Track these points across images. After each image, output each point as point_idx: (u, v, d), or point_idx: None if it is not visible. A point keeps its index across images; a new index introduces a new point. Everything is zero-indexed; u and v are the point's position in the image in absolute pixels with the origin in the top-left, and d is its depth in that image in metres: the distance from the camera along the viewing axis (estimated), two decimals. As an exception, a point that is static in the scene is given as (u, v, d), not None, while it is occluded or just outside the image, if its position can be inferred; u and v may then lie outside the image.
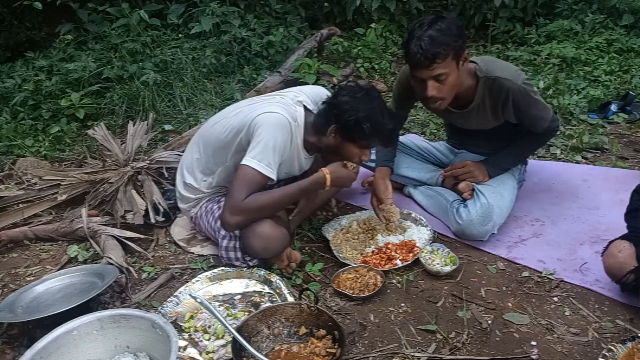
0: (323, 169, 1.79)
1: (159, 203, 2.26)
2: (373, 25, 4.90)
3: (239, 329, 1.43)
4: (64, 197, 2.40)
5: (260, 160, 1.70)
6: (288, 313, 1.54)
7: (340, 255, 1.98)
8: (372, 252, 2.00)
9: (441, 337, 1.56)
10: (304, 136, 1.87)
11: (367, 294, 1.74)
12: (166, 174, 2.49)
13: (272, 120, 1.74)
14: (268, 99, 1.89)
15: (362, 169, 2.48)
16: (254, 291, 1.80)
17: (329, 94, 1.94)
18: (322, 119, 1.84)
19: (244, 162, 1.71)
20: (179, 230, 2.21)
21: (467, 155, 2.35)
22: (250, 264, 1.86)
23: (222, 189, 1.97)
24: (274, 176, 1.73)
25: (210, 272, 1.86)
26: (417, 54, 1.76)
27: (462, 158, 2.32)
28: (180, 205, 2.10)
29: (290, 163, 1.91)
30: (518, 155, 2.19)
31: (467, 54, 1.87)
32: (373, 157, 2.42)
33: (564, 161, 2.70)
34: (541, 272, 1.84)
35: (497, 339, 1.55)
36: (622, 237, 1.67)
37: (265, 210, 1.74)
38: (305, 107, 1.89)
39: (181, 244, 2.14)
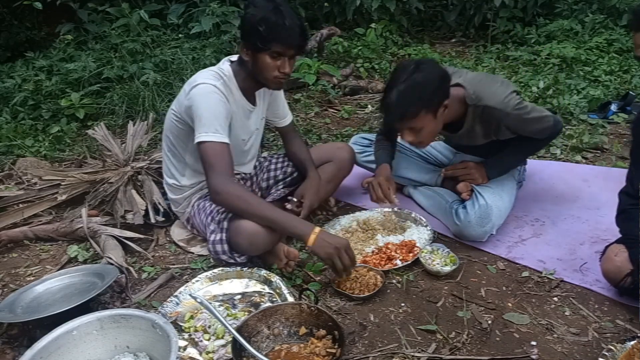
0: (316, 227, 1.71)
1: (159, 203, 2.26)
2: (373, 25, 4.90)
3: (239, 329, 1.43)
4: (64, 197, 2.40)
5: (207, 132, 1.73)
6: (288, 313, 1.54)
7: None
8: (372, 252, 2.00)
9: (441, 337, 1.56)
10: (237, 84, 1.90)
11: (367, 294, 1.74)
12: (166, 174, 2.49)
13: (199, 92, 1.78)
14: (197, 74, 1.91)
15: (361, 170, 2.49)
16: (254, 291, 1.80)
17: None
18: (239, 45, 1.86)
19: (196, 140, 1.75)
20: (179, 231, 2.21)
21: (466, 155, 2.34)
22: (239, 260, 1.86)
23: (204, 177, 1.96)
24: (227, 140, 1.76)
25: (210, 272, 1.86)
26: (388, 110, 1.80)
27: (461, 158, 2.32)
28: (174, 209, 2.13)
29: (241, 121, 1.95)
30: (518, 156, 2.19)
31: (448, 101, 1.82)
32: (372, 157, 2.42)
33: (564, 161, 2.71)
34: (541, 272, 1.84)
35: (497, 339, 1.56)
36: (618, 241, 1.67)
37: (249, 201, 1.73)
38: (230, 60, 1.92)
39: (181, 244, 2.14)
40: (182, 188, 2.02)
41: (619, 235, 1.69)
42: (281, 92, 2.17)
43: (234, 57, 1.95)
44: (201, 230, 2.02)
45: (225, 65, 1.91)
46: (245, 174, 2.16)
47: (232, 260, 1.86)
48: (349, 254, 1.69)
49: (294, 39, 1.75)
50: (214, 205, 1.92)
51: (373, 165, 2.42)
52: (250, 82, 1.91)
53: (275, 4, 1.73)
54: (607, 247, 1.69)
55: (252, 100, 1.98)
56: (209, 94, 1.78)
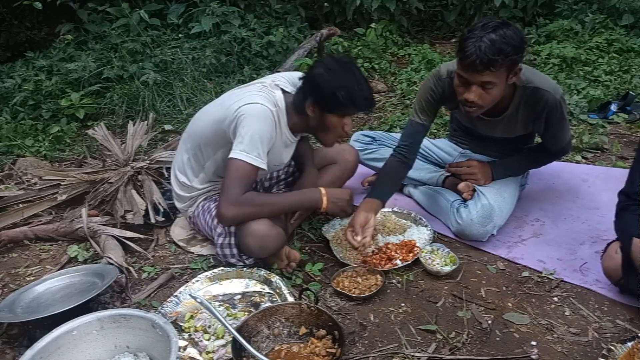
0: (321, 188, 1.84)
1: (159, 203, 2.26)
2: (373, 25, 4.90)
3: (239, 329, 1.43)
4: (64, 197, 2.40)
5: (249, 152, 1.71)
6: (288, 313, 1.54)
7: (340, 255, 1.98)
8: (372, 252, 2.00)
9: (441, 337, 1.56)
10: (287, 118, 1.88)
11: (367, 294, 1.74)
12: (166, 174, 2.49)
13: (254, 112, 1.75)
14: (247, 89, 1.89)
15: (362, 168, 2.48)
16: (254, 291, 1.80)
17: None
18: (300, 96, 1.85)
19: (233, 155, 1.71)
20: (179, 231, 2.21)
21: (470, 155, 2.33)
22: (247, 262, 1.86)
23: (216, 184, 1.97)
24: (264, 166, 1.75)
25: (210, 272, 1.86)
26: (473, 55, 1.65)
27: (466, 157, 2.31)
28: (178, 205, 2.11)
29: (278, 150, 1.93)
30: (524, 166, 2.20)
31: (519, 68, 1.76)
32: (375, 155, 2.42)
33: (564, 161, 2.70)
34: (541, 272, 1.84)
35: (497, 339, 1.55)
36: (618, 239, 1.67)
37: (261, 209, 1.76)
38: (283, 90, 1.89)
39: (181, 244, 2.14)
40: (191, 188, 2.01)
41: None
42: None
43: (286, 85, 1.90)
44: (205, 231, 2.00)
45: (278, 94, 1.86)
46: None
47: (240, 263, 1.86)
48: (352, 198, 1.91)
49: (369, 105, 1.83)
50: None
51: (374, 164, 2.42)
52: (304, 128, 1.91)
53: (349, 69, 1.77)
54: (608, 244, 1.69)
55: (295, 134, 1.96)
56: (264, 117, 1.76)
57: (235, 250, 1.84)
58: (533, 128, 2.01)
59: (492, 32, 1.65)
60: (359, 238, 1.90)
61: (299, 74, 1.94)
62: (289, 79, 1.93)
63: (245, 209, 1.73)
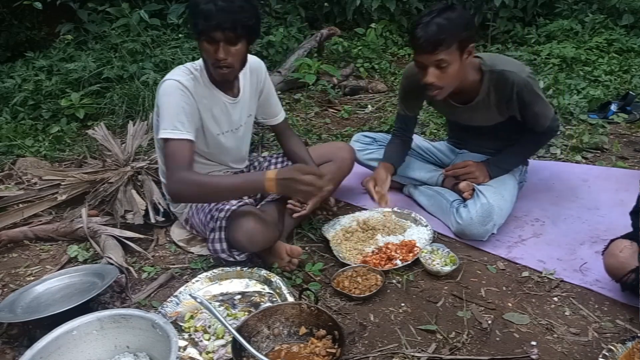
0: (268, 171, 1.69)
1: (159, 203, 2.26)
2: (373, 25, 4.91)
3: (239, 329, 1.43)
4: (64, 197, 2.40)
5: (167, 128, 1.72)
6: (288, 313, 1.54)
7: (340, 255, 1.98)
8: (372, 252, 2.00)
9: (441, 337, 1.56)
10: (210, 78, 1.85)
11: (367, 294, 1.74)
12: (166, 174, 2.49)
13: (162, 90, 1.78)
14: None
15: (362, 169, 2.49)
16: (254, 291, 1.80)
17: None
18: None
19: (158, 137, 1.76)
20: (179, 231, 2.21)
21: (467, 155, 2.35)
22: (238, 258, 1.86)
23: None
24: (189, 136, 1.74)
25: (210, 272, 1.86)
26: (422, 38, 1.79)
27: (462, 158, 2.32)
28: (173, 209, 2.13)
29: (221, 113, 1.91)
30: (519, 155, 2.20)
31: (473, 47, 1.87)
32: (376, 155, 2.42)
33: (564, 161, 2.71)
34: (541, 272, 1.84)
35: (497, 339, 1.55)
36: (624, 236, 1.67)
37: (205, 189, 1.71)
38: None
39: (181, 244, 2.14)
40: None
41: (620, 234, 1.69)
42: (272, 90, 2.14)
43: None
44: (200, 230, 2.02)
45: (200, 60, 1.87)
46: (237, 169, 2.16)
47: (231, 259, 1.86)
48: (309, 172, 1.65)
49: (212, 18, 1.63)
50: (212, 204, 1.92)
51: (374, 164, 2.43)
52: (211, 77, 1.87)
53: None
54: (611, 241, 1.69)
55: (231, 92, 1.93)
56: (171, 89, 1.76)
57: (225, 245, 1.83)
58: (509, 111, 2.03)
59: (436, 16, 1.79)
60: (378, 188, 2.11)
61: None
62: None
63: (189, 187, 1.70)
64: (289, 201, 2.06)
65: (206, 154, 1.99)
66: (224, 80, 1.84)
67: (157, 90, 1.82)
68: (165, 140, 1.74)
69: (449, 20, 1.78)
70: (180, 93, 1.77)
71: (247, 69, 1.96)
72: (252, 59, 2.00)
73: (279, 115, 2.19)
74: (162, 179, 2.07)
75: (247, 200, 2.02)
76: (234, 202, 1.89)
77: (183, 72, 1.82)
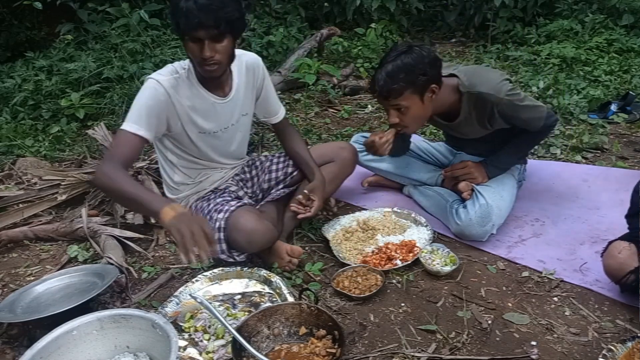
0: (167, 209, 1.52)
1: (159, 203, 2.25)
2: (373, 25, 4.91)
3: (239, 329, 1.43)
4: (64, 197, 2.41)
5: (128, 120, 1.71)
6: (288, 313, 1.54)
7: (340, 255, 1.98)
8: (372, 252, 2.00)
9: (441, 337, 1.56)
10: (198, 77, 1.81)
11: (367, 294, 1.74)
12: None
13: (144, 85, 1.77)
14: None
15: (362, 169, 2.49)
16: (254, 291, 1.80)
17: None
18: None
19: (121, 127, 1.73)
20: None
21: (465, 156, 2.35)
22: (237, 258, 1.85)
23: (193, 173, 2.00)
24: (143, 133, 1.70)
25: (210, 272, 1.86)
26: (376, 84, 1.86)
27: (461, 158, 2.32)
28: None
29: (207, 112, 1.86)
30: (517, 153, 2.19)
31: (436, 87, 1.88)
32: (372, 156, 2.42)
33: (564, 161, 2.70)
34: (541, 272, 1.84)
35: (497, 339, 1.56)
36: (622, 238, 1.67)
37: (113, 187, 1.63)
38: None
39: (181, 244, 2.14)
40: (177, 187, 2.01)
41: (620, 234, 1.69)
42: (271, 88, 2.10)
43: None
44: None
45: (185, 62, 1.83)
46: (230, 165, 2.12)
47: (231, 259, 1.85)
48: (204, 230, 1.48)
49: (193, 16, 1.57)
50: (212, 205, 1.91)
51: (374, 164, 2.43)
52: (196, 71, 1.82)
53: None
54: (609, 242, 1.69)
55: (221, 92, 1.88)
56: (147, 87, 1.75)
57: (224, 246, 1.83)
58: (493, 126, 2.04)
59: (390, 63, 1.84)
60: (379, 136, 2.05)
61: None
62: None
63: (105, 178, 1.64)
64: (292, 203, 2.04)
65: (192, 151, 1.95)
66: (213, 77, 1.78)
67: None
68: (119, 129, 1.72)
69: (403, 66, 1.81)
70: (152, 92, 1.74)
71: (243, 66, 1.93)
72: (249, 55, 1.98)
73: (279, 113, 2.16)
74: (164, 179, 2.06)
75: (246, 201, 2.02)
76: (232, 202, 1.89)
77: (167, 72, 1.79)
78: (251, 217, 1.79)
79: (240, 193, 2.10)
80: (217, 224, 1.82)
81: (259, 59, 2.03)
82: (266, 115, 2.15)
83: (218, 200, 1.94)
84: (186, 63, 1.83)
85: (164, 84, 1.75)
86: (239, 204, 1.86)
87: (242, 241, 1.78)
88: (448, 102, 1.98)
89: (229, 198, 1.97)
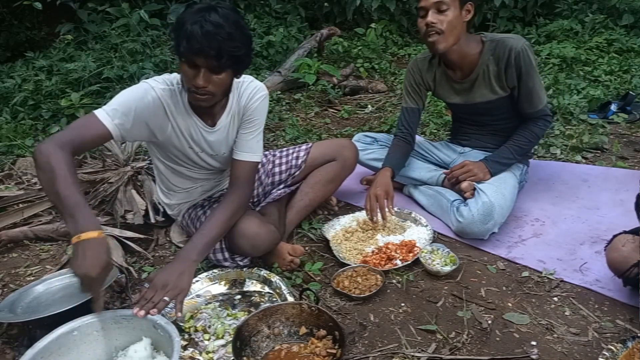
0: (84, 234, 1.33)
1: (159, 203, 2.25)
2: (373, 25, 4.91)
3: (239, 329, 1.43)
4: (64, 197, 2.40)
5: (104, 108, 1.56)
6: (288, 313, 1.54)
7: (340, 255, 1.98)
8: (372, 252, 2.00)
9: (441, 337, 1.56)
10: (189, 99, 1.67)
11: (367, 294, 1.74)
12: (166, 174, 2.49)
13: (133, 86, 1.64)
14: None
15: (362, 168, 2.49)
16: (254, 291, 1.80)
17: None
18: None
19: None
20: (179, 231, 2.21)
21: (469, 153, 2.35)
22: (241, 263, 1.86)
23: (185, 180, 1.93)
24: (110, 127, 1.54)
25: (210, 272, 1.86)
26: None
27: (464, 157, 2.32)
28: (170, 213, 2.10)
29: (190, 135, 1.74)
30: (515, 148, 2.19)
31: (470, 7, 2.00)
32: (376, 155, 2.42)
33: (564, 161, 2.70)
34: (541, 272, 1.84)
35: (497, 339, 1.56)
36: (628, 232, 1.67)
37: (44, 169, 1.41)
38: None
39: (181, 245, 2.13)
40: (170, 191, 1.98)
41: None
42: (258, 129, 1.83)
43: None
44: None
45: (176, 75, 1.70)
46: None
47: (234, 265, 1.86)
48: (99, 276, 1.35)
49: (194, 43, 1.45)
50: (209, 212, 1.88)
51: (375, 164, 2.43)
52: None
53: (202, 12, 1.48)
54: (614, 236, 1.69)
55: (209, 120, 1.76)
56: (138, 88, 1.62)
57: (227, 254, 1.83)
58: (508, 82, 2.09)
59: None
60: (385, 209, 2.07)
61: None
62: None
63: (42, 157, 1.42)
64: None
65: (182, 160, 1.85)
66: (199, 106, 1.67)
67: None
68: (91, 113, 1.56)
69: None
70: (142, 94, 1.61)
71: (243, 97, 1.79)
72: (253, 86, 1.80)
73: (247, 155, 1.81)
74: (158, 184, 2.02)
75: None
76: None
77: (162, 80, 1.66)
78: (253, 221, 1.77)
79: None
80: None
81: (263, 90, 1.83)
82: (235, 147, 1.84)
83: (214, 206, 1.86)
84: (179, 79, 1.69)
85: (158, 92, 1.63)
86: None
87: (246, 246, 1.77)
88: (471, 51, 2.07)
89: None
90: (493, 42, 2.06)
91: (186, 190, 1.98)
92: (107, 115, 1.55)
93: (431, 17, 1.94)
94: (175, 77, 1.69)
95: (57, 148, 1.44)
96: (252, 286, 1.82)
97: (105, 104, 1.60)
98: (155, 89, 1.63)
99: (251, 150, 1.82)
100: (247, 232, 1.75)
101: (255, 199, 2.15)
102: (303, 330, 1.52)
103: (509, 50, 2.02)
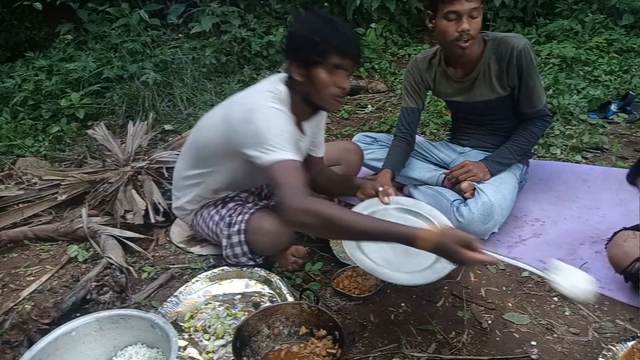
0: (422, 231, 1.33)
1: (159, 203, 2.26)
2: (373, 25, 4.90)
3: (239, 329, 1.43)
4: (64, 197, 2.40)
5: (278, 149, 1.49)
6: (288, 313, 1.54)
7: (340, 255, 1.98)
8: (372, 252, 1.99)
9: (441, 337, 1.56)
10: (290, 110, 1.68)
11: (367, 294, 1.74)
12: (166, 174, 2.48)
13: (264, 114, 1.56)
14: (252, 90, 1.72)
15: (362, 168, 2.49)
16: (254, 291, 1.80)
17: None
18: (286, 65, 1.67)
19: (262, 160, 1.50)
20: (179, 231, 2.21)
21: (469, 153, 2.35)
22: (258, 261, 1.85)
23: (214, 193, 1.92)
24: (294, 157, 1.51)
25: (210, 272, 1.86)
26: None
27: (464, 157, 2.32)
28: (177, 212, 2.07)
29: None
30: (515, 148, 2.19)
31: (482, 7, 2.00)
32: (376, 155, 2.42)
33: (564, 161, 2.70)
34: (541, 272, 1.84)
35: (497, 339, 1.55)
36: (629, 228, 1.67)
37: (334, 221, 1.36)
38: (284, 81, 1.71)
39: (181, 245, 2.13)
40: (187, 210, 1.98)
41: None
42: (324, 122, 2.00)
43: (281, 74, 1.75)
44: (209, 237, 1.96)
45: (281, 87, 1.68)
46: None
47: (251, 262, 1.85)
48: (465, 243, 1.29)
49: (352, 47, 1.62)
50: (224, 210, 1.88)
51: (375, 164, 2.43)
52: (303, 108, 1.71)
53: (326, 17, 1.64)
54: (615, 233, 1.69)
55: (300, 127, 1.80)
56: (278, 113, 1.58)
57: (246, 248, 1.80)
58: (509, 81, 2.09)
59: None
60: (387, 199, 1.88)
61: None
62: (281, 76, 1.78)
63: (313, 217, 1.36)
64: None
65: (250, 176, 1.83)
66: (335, 109, 1.81)
67: (248, 117, 1.57)
68: (272, 162, 1.49)
69: None
70: (284, 116, 1.61)
71: None
72: None
73: (322, 148, 2.02)
74: (185, 182, 1.96)
75: (261, 203, 1.94)
76: (249, 205, 1.87)
77: (278, 100, 1.63)
78: (274, 219, 1.75)
79: (250, 198, 2.03)
80: (237, 226, 1.79)
81: None
82: (310, 146, 1.97)
83: (230, 205, 1.89)
84: (283, 91, 1.67)
85: (284, 110, 1.63)
86: (257, 207, 1.85)
87: (266, 244, 1.77)
88: (473, 51, 2.06)
89: (241, 202, 1.93)
90: (495, 41, 2.06)
91: (209, 198, 1.95)
92: (290, 152, 1.51)
93: (467, 23, 1.93)
94: (276, 90, 1.66)
95: (306, 199, 1.40)
96: (252, 286, 1.82)
97: (265, 145, 1.51)
98: (282, 109, 1.61)
99: (323, 143, 2.04)
100: (269, 230, 1.74)
101: (260, 197, 2.11)
102: (303, 330, 1.52)
103: (511, 49, 2.02)
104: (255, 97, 1.64)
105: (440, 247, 1.30)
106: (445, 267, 1.56)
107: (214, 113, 1.81)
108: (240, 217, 1.81)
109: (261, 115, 1.56)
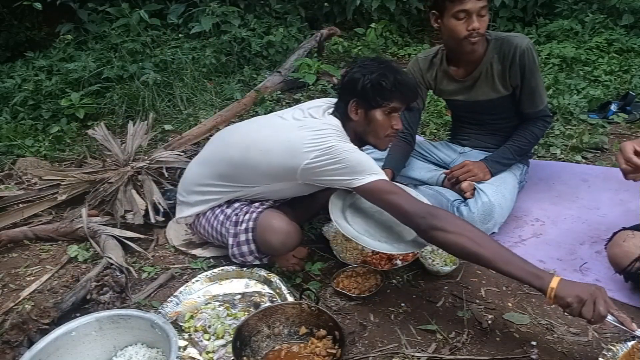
0: (556, 279, 1.36)
1: (159, 203, 2.26)
2: (373, 25, 4.91)
3: (239, 329, 1.43)
4: (64, 197, 2.40)
5: (375, 175, 1.64)
6: (288, 313, 1.54)
7: (340, 255, 1.98)
8: (372, 252, 2.00)
9: (441, 337, 1.56)
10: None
11: (367, 294, 1.74)
12: (166, 174, 2.49)
13: (341, 152, 1.64)
14: (311, 128, 1.71)
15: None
16: (254, 291, 1.80)
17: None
18: (342, 103, 1.77)
19: (366, 181, 1.62)
20: (174, 233, 2.19)
21: (469, 153, 2.35)
22: (264, 260, 1.86)
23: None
24: (386, 176, 1.68)
25: (210, 272, 1.86)
26: None
27: (464, 157, 2.32)
28: (179, 215, 2.02)
29: None
30: (515, 149, 2.19)
31: (488, 6, 2.03)
32: (375, 155, 2.41)
33: (564, 161, 2.70)
34: (541, 272, 1.84)
35: (497, 339, 1.55)
36: (629, 228, 1.67)
37: (473, 243, 1.45)
38: (333, 114, 1.79)
39: (181, 248, 2.12)
40: (204, 202, 1.94)
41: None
42: None
43: (322, 103, 1.85)
44: (213, 237, 1.93)
45: (335, 122, 1.74)
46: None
47: (257, 262, 1.85)
48: (605, 300, 1.31)
49: (414, 95, 1.78)
50: (229, 210, 1.86)
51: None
52: (354, 142, 1.75)
53: (386, 63, 1.73)
54: (614, 233, 1.69)
55: None
56: (354, 152, 1.66)
57: (253, 247, 1.80)
58: (511, 80, 2.09)
59: None
60: None
61: (318, 101, 1.90)
62: (319, 105, 1.86)
63: (460, 249, 1.47)
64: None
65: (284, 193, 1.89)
66: (384, 149, 1.89)
67: (327, 152, 1.63)
68: (375, 181, 1.62)
69: None
70: (364, 155, 1.70)
71: None
72: None
73: None
74: (187, 190, 1.94)
75: (268, 203, 1.92)
76: (255, 204, 1.85)
77: (344, 137, 1.73)
78: (283, 218, 1.76)
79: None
80: (245, 225, 1.79)
81: None
82: None
83: (235, 205, 1.88)
84: (337, 126, 1.73)
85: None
86: (264, 206, 1.84)
87: (276, 243, 1.77)
88: (477, 50, 2.07)
89: (246, 202, 1.91)
90: (498, 40, 2.07)
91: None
92: (381, 174, 1.66)
93: (477, 22, 1.95)
94: (335, 126, 1.73)
95: (452, 217, 1.58)
96: (252, 286, 1.82)
97: (360, 175, 1.63)
98: (354, 149, 1.68)
99: None
100: (279, 229, 1.75)
101: None
102: (303, 330, 1.52)
103: (515, 48, 2.03)
104: (327, 133, 1.68)
105: (565, 300, 1.32)
106: (424, 242, 1.64)
107: (271, 138, 1.76)
108: (247, 216, 1.81)
109: (347, 154, 1.64)
